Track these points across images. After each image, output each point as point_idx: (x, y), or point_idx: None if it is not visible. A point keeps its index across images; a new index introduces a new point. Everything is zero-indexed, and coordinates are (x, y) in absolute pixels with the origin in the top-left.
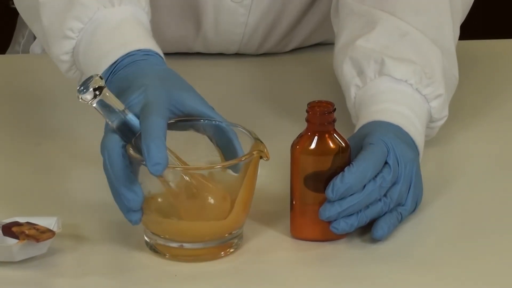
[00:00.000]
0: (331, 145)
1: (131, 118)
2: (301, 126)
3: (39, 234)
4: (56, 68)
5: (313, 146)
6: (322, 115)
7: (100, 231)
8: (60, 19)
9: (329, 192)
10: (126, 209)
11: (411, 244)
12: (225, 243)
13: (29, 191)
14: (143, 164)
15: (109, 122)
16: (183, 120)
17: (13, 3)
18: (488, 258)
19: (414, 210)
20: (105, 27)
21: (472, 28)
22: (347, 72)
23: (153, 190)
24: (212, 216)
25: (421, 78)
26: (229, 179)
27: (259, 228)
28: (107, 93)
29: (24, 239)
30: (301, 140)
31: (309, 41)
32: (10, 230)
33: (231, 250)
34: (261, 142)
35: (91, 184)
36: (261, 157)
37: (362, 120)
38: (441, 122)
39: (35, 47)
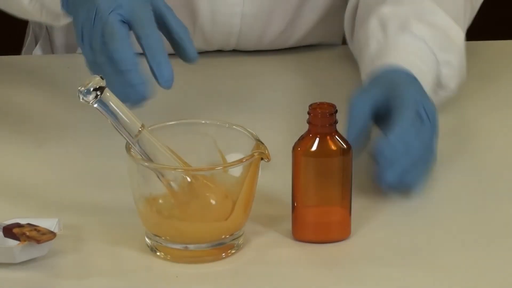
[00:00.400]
0: (333, 147)
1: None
2: (304, 128)
3: (40, 236)
4: (57, 72)
5: (314, 148)
6: (324, 117)
7: (101, 232)
8: None
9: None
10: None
11: (414, 246)
12: (226, 244)
13: (31, 192)
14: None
15: (111, 122)
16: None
17: None
18: (496, 262)
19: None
20: None
21: None
22: (373, 26)
23: (154, 192)
24: (213, 217)
25: (440, 43)
26: (230, 180)
27: (260, 229)
28: (107, 93)
29: (25, 241)
30: (303, 142)
31: (311, 37)
32: (11, 231)
33: (233, 251)
34: (262, 143)
35: (92, 185)
36: (262, 159)
37: (383, 67)
38: (446, 94)
39: (37, 51)
